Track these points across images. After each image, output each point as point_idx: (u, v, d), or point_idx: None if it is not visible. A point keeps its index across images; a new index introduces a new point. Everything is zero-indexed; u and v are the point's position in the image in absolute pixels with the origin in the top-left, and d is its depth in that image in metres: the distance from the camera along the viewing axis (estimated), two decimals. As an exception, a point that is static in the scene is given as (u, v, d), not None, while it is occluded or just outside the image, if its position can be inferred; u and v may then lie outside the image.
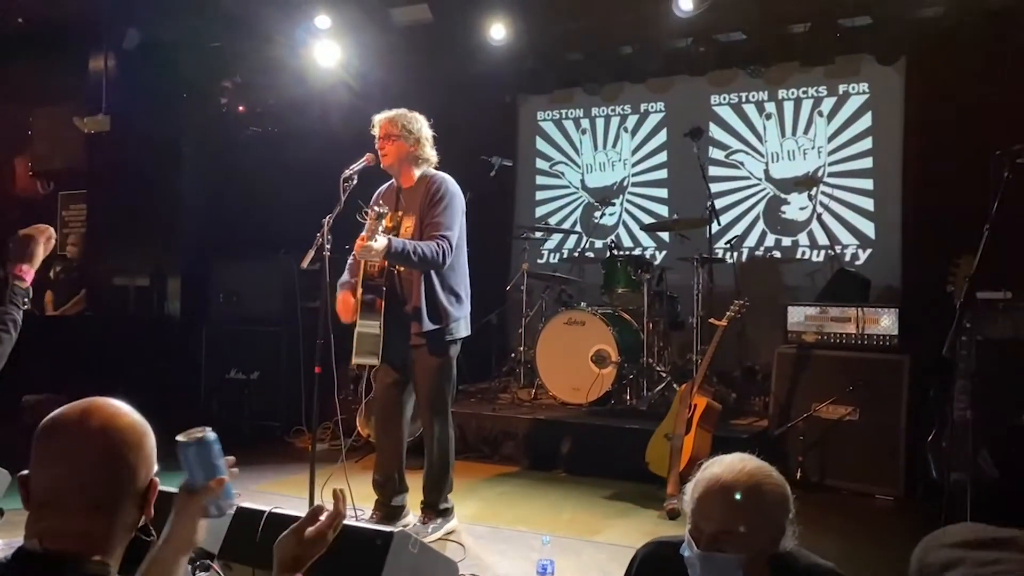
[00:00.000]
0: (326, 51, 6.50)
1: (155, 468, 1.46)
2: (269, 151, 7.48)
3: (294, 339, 6.30)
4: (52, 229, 2.37)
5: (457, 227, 3.86)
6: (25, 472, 1.37)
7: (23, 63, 8.13)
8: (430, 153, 3.96)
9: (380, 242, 3.57)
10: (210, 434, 1.57)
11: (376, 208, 3.66)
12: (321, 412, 4.28)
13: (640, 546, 2.02)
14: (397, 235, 3.79)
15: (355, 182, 3.72)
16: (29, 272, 2.18)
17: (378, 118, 3.93)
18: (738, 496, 1.69)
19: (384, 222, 3.65)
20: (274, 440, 6.20)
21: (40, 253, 2.15)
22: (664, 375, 5.80)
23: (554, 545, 3.57)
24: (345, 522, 3.17)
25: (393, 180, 4.07)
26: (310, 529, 1.64)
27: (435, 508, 4.06)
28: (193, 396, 6.63)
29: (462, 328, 3.97)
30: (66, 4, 7.31)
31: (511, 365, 6.64)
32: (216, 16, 6.76)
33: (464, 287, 3.99)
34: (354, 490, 4.14)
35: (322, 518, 1.66)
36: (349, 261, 4.00)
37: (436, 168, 4.01)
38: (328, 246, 3.58)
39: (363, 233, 3.58)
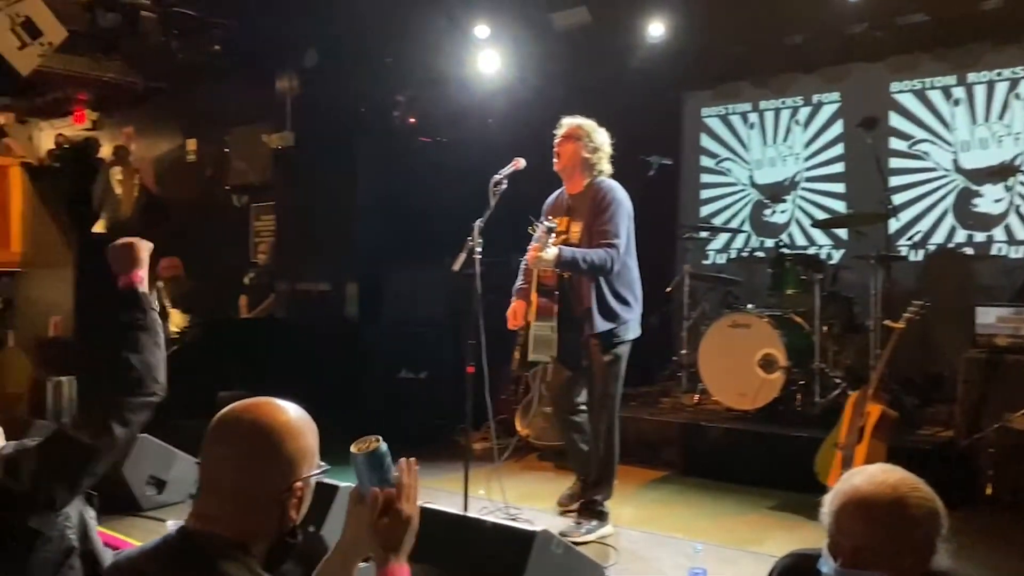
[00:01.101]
0: (487, 60, 6.66)
1: (309, 470, 1.51)
2: (437, 160, 7.76)
3: (460, 340, 6.49)
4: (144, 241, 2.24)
5: (624, 234, 3.97)
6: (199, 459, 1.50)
7: (221, 87, 8.88)
8: (606, 166, 4.08)
9: (551, 252, 3.77)
10: (382, 445, 1.58)
11: (546, 223, 3.85)
12: (483, 412, 4.37)
13: (780, 558, 1.92)
14: (567, 240, 3.96)
15: (505, 186, 3.78)
16: (143, 278, 2.15)
17: (566, 120, 4.08)
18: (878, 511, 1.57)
19: (553, 235, 3.85)
20: (440, 438, 6.40)
21: (145, 257, 2.14)
22: (838, 381, 5.47)
23: (711, 554, 3.47)
24: (493, 520, 3.23)
25: (561, 189, 4.18)
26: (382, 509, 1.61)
27: (592, 509, 4.07)
28: (367, 394, 6.97)
29: (631, 330, 4.07)
30: (255, 31, 7.92)
31: (673, 369, 6.50)
32: (387, 33, 7.11)
33: (632, 290, 4.09)
34: (510, 489, 4.22)
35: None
36: (523, 266, 4.20)
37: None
38: (479, 250, 3.65)
39: (534, 244, 3.80)
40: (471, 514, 3.34)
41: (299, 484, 1.48)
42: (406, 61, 7.40)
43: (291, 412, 1.50)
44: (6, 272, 9.15)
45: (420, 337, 6.80)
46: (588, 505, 4.08)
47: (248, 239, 9.12)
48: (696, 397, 5.98)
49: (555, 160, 4.03)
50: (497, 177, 3.80)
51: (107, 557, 1.98)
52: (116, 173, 9.25)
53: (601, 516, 4.07)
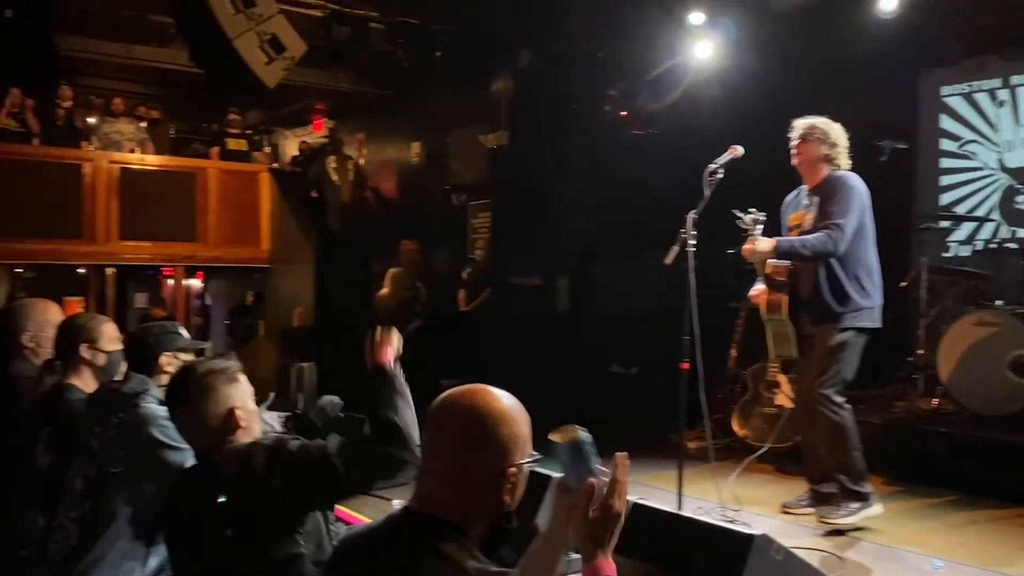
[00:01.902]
0: (701, 48, 6.48)
1: (522, 457, 1.53)
2: (649, 152, 7.66)
3: (673, 336, 6.37)
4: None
5: (852, 216, 3.86)
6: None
7: (441, 91, 9.31)
8: (844, 161, 4.03)
9: (767, 243, 3.75)
10: (584, 435, 1.57)
11: (752, 214, 3.81)
12: (697, 410, 4.27)
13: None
14: (799, 229, 3.96)
15: (721, 175, 3.66)
16: (391, 357, 2.21)
17: (799, 122, 4.08)
18: None
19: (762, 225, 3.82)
20: (653, 434, 6.31)
21: (394, 341, 2.23)
22: (1110, 388, 4.80)
23: (949, 571, 3.17)
24: (708, 521, 3.13)
25: (801, 187, 4.18)
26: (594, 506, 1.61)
27: (846, 490, 3.91)
28: (578, 388, 7.02)
29: (866, 318, 3.95)
30: (472, 36, 8.23)
31: (908, 371, 5.98)
32: (600, 28, 7.11)
33: (871, 278, 3.97)
34: (726, 491, 4.09)
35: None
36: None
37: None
38: (693, 242, 3.56)
39: (749, 237, 3.79)
40: (686, 513, 3.26)
41: (512, 470, 1.50)
42: (619, 55, 7.37)
43: (505, 400, 1.53)
44: (257, 268, 10.19)
45: (631, 332, 6.75)
46: (841, 488, 3.94)
47: (465, 236, 9.50)
48: (935, 401, 5.47)
49: (794, 157, 4.05)
50: (713, 166, 3.69)
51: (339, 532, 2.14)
52: (331, 162, 9.93)
53: (861, 497, 3.90)
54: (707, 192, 3.67)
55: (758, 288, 4.09)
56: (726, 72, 6.74)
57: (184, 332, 2.88)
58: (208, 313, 12.03)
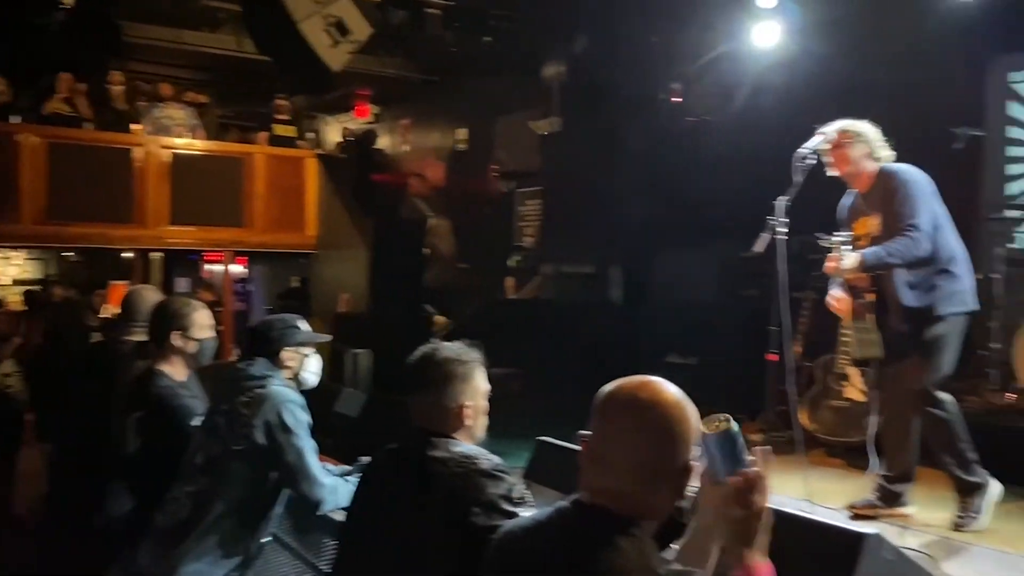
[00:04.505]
0: (766, 32, 6.33)
1: (695, 452, 1.49)
2: (704, 140, 7.53)
3: (731, 326, 6.27)
4: None
5: (924, 211, 3.72)
6: (585, 432, 1.50)
7: (490, 77, 9.22)
8: (884, 152, 3.87)
9: (852, 259, 3.65)
10: (734, 425, 1.53)
11: (837, 236, 3.74)
12: (763, 401, 4.18)
13: None
14: (871, 238, 3.83)
15: (813, 161, 3.55)
16: None
17: (824, 131, 3.89)
18: None
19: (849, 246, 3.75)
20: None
21: None
22: None
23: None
24: (817, 519, 3.04)
25: (853, 193, 4.02)
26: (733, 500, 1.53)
27: (964, 483, 3.85)
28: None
29: (958, 301, 3.82)
30: (523, 22, 8.12)
31: (980, 364, 5.82)
32: (656, 12, 6.98)
33: (956, 265, 3.83)
34: (799, 486, 3.99)
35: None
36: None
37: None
38: (784, 229, 3.46)
39: (831, 255, 3.71)
40: (790, 509, 3.17)
41: (692, 463, 1.45)
42: (674, 39, 7.24)
43: (677, 391, 1.48)
44: (301, 254, 10.19)
45: (689, 321, 6.65)
46: (958, 490, 3.88)
47: (512, 223, 9.42)
48: (1012, 396, 5.33)
49: (833, 168, 3.88)
50: (803, 151, 3.58)
51: None
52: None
53: (977, 487, 3.83)
54: (798, 178, 3.57)
55: (838, 294, 3.97)
56: (789, 57, 6.59)
57: (304, 325, 2.84)
58: (250, 298, 12.07)
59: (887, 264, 3.70)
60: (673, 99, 7.81)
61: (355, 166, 10.15)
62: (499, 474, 1.94)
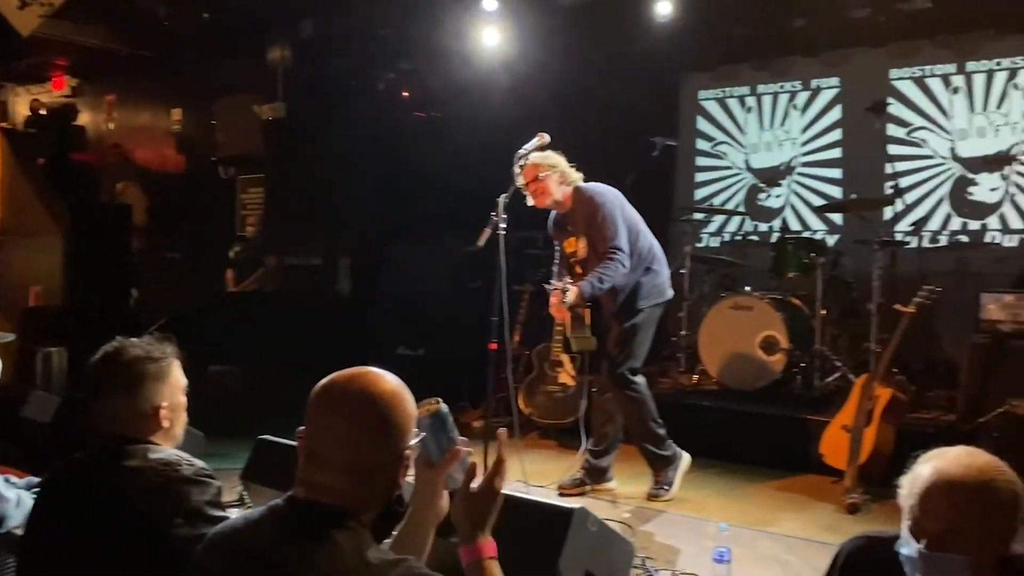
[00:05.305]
0: (490, 34, 6.57)
1: (412, 437, 1.49)
2: (433, 135, 7.66)
3: (457, 318, 6.45)
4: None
5: (621, 229, 4.10)
6: (302, 428, 1.46)
7: (206, 56, 8.68)
8: (574, 174, 4.18)
9: (572, 295, 3.96)
10: (443, 406, 1.57)
11: (556, 284, 4.05)
12: (485, 390, 4.34)
13: (846, 540, 1.91)
14: (576, 256, 4.22)
15: (529, 161, 3.73)
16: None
17: (522, 164, 4.01)
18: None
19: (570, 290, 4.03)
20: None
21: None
22: (838, 364, 5.52)
23: (727, 534, 3.47)
24: (528, 497, 3.19)
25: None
26: (474, 484, 1.60)
27: (656, 457, 4.27)
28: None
29: (652, 296, 4.24)
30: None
31: (671, 350, 6.51)
32: (386, 4, 6.98)
33: (656, 261, 4.28)
34: (515, 467, 4.20)
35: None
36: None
37: (586, 179, 4.22)
38: (503, 225, 3.61)
39: (554, 292, 4.03)
40: (506, 491, 3.31)
41: (408, 452, 1.46)
42: (405, 33, 7.28)
43: (392, 380, 1.48)
44: (-26, 242, 8.91)
45: (418, 313, 6.74)
46: (652, 459, 4.28)
47: (234, 212, 8.97)
48: (695, 377, 6.00)
49: (535, 200, 4.12)
50: (522, 152, 3.76)
51: None
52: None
53: (669, 460, 4.27)
54: (518, 176, 3.73)
55: (559, 305, 4.14)
56: (511, 61, 6.90)
57: None
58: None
59: (602, 289, 4.05)
60: (403, 94, 7.87)
61: (50, 143, 9.07)
62: (204, 479, 1.83)
